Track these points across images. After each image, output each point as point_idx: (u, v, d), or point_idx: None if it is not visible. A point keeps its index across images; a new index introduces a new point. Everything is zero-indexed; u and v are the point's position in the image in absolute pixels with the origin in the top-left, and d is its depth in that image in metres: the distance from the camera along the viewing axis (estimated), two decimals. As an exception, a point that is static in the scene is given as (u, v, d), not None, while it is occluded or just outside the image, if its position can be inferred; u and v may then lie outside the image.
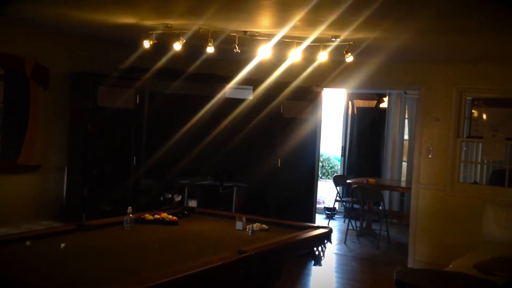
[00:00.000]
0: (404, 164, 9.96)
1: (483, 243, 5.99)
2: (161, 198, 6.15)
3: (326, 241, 4.30)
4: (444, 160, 6.64)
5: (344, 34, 4.75)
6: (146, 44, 5.05)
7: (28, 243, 3.01)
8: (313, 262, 4.33)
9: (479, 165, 8.26)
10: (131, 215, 4.05)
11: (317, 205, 8.49)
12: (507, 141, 6.39)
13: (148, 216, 4.30)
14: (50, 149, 6.02)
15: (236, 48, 4.97)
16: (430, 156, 6.73)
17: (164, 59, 6.15)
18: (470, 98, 6.65)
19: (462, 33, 4.72)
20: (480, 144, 6.80)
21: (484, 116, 6.52)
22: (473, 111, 6.60)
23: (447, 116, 6.64)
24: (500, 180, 6.66)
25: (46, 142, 5.94)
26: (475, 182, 8.01)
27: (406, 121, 9.95)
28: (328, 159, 13.22)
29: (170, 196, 6.10)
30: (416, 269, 5.69)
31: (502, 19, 4.04)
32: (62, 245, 2.93)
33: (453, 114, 6.60)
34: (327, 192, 11.04)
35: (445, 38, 5.06)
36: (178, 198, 6.11)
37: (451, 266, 5.05)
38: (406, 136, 9.97)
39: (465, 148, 7.31)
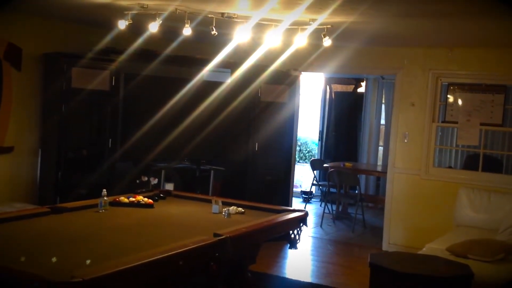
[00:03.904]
0: (381, 149, 10.05)
1: (456, 226, 6.10)
2: (137, 181, 6.09)
3: (302, 224, 4.32)
4: (419, 144, 6.72)
5: (322, 18, 4.73)
6: (122, 24, 4.95)
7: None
8: (288, 245, 4.36)
9: (454, 150, 8.39)
10: (105, 197, 4.01)
11: (294, 189, 8.53)
12: (482, 126, 6.48)
13: (123, 199, 4.26)
14: (24, 131, 5.91)
15: (213, 30, 4.92)
16: (405, 141, 6.80)
17: (140, 41, 6.06)
18: (446, 83, 6.71)
19: (438, 18, 4.74)
20: (456, 129, 6.89)
21: (459, 101, 6.59)
22: (448, 96, 6.67)
23: (423, 101, 6.70)
24: (474, 164, 6.77)
25: (20, 124, 5.83)
26: (450, 167, 8.13)
27: (383, 106, 10.02)
28: (305, 143, 13.26)
29: (146, 179, 6.04)
30: (390, 252, 5.77)
31: (478, 5, 4.06)
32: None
33: (429, 99, 6.66)
34: (304, 176, 11.10)
35: (421, 23, 5.08)
36: (154, 181, 6.05)
37: (424, 249, 5.13)
38: (382, 121, 10.05)
39: (440, 133, 7.40)
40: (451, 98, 6.66)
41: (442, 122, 6.75)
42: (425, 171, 6.69)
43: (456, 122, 6.61)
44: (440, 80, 6.69)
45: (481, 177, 6.44)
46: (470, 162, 7.32)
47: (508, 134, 7.69)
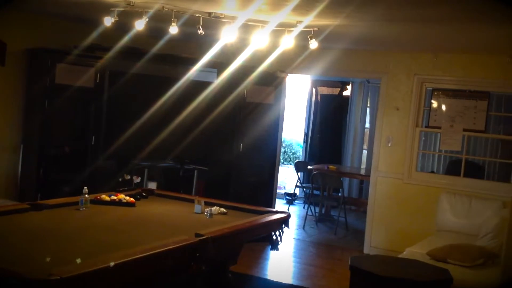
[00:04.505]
0: (365, 152, 10.10)
1: (437, 231, 6.15)
2: (120, 180, 6.07)
3: (283, 226, 4.33)
4: (403, 149, 6.76)
5: (308, 20, 4.75)
6: (108, 21, 4.92)
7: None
8: (270, 246, 4.36)
9: (437, 155, 8.46)
10: (86, 195, 3.98)
11: (278, 191, 8.55)
12: (464, 132, 6.54)
13: (105, 197, 4.23)
14: (6, 126, 5.86)
15: (200, 29, 4.90)
16: (389, 145, 6.84)
17: (126, 38, 6.03)
18: (431, 88, 6.77)
19: (423, 24, 4.78)
20: (439, 134, 6.95)
21: (443, 107, 6.64)
22: (432, 101, 6.72)
23: (407, 105, 6.75)
24: (456, 170, 6.83)
25: (2, 119, 5.77)
26: (432, 172, 8.19)
27: (368, 109, 10.07)
28: (290, 145, 13.28)
29: (129, 177, 6.03)
30: (370, 255, 5.80)
31: (463, 10, 4.10)
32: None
33: (413, 103, 6.71)
34: (288, 178, 11.11)
35: (406, 28, 5.12)
36: (137, 180, 6.04)
37: (405, 252, 5.17)
38: (367, 125, 10.10)
39: (424, 138, 7.46)
40: (435, 104, 6.71)
41: (426, 127, 6.81)
42: (408, 175, 6.73)
43: (439, 127, 6.67)
44: (425, 85, 6.74)
45: (462, 183, 6.50)
46: (453, 168, 7.38)
47: (491, 140, 7.78)
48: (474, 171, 7.07)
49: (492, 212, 5.75)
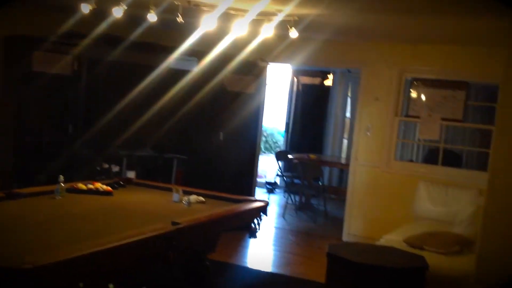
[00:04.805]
0: (345, 141, 10.16)
1: (414, 218, 6.22)
2: (98, 168, 6.02)
3: (262, 214, 4.34)
4: (382, 138, 6.81)
5: (288, 9, 4.74)
6: (85, 8, 4.84)
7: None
8: (248, 234, 4.37)
9: (415, 144, 8.54)
10: (62, 184, 3.94)
11: (259, 180, 8.56)
12: (443, 121, 6.61)
13: (81, 186, 4.20)
14: (-19, 114, 5.76)
15: (179, 18, 4.86)
16: (368, 134, 6.88)
17: (104, 25, 5.94)
18: (410, 78, 6.81)
19: (403, 14, 4.80)
20: (417, 123, 7.01)
21: (422, 97, 6.70)
22: (411, 91, 6.77)
23: (387, 95, 6.79)
24: (434, 158, 6.90)
25: (-23, 107, 5.68)
26: (411, 160, 8.27)
27: (349, 99, 10.12)
28: (272, 134, 13.30)
29: (107, 166, 5.98)
30: (348, 243, 5.86)
31: (442, 2, 4.12)
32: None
33: (392, 93, 6.75)
34: (269, 167, 11.13)
35: (386, 18, 5.13)
36: (115, 169, 6.00)
37: (382, 240, 5.22)
38: (348, 114, 10.15)
39: (403, 128, 7.52)
40: (414, 93, 6.76)
41: (405, 116, 6.86)
42: (387, 164, 6.79)
43: (418, 117, 6.72)
44: (404, 75, 6.79)
45: (440, 171, 6.58)
46: (431, 156, 7.46)
47: (469, 129, 7.87)
48: (452, 160, 7.15)
49: (469, 200, 5.83)
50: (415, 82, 6.77)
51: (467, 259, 4.70)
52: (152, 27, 5.93)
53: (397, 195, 6.66)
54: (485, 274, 3.82)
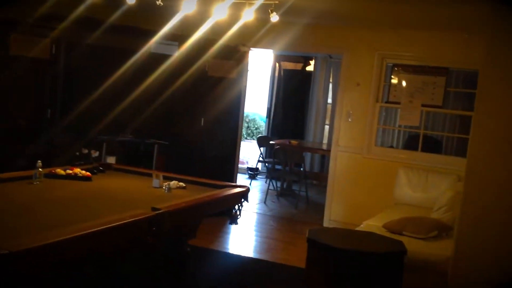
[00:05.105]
0: (327, 127, 10.18)
1: (394, 204, 6.28)
2: (77, 154, 5.94)
3: (243, 200, 4.33)
4: (363, 124, 6.84)
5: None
6: (63, -10, 4.75)
7: None
8: (229, 220, 4.37)
9: (396, 130, 8.59)
10: (40, 169, 3.88)
11: (241, 165, 8.55)
12: (423, 107, 6.65)
13: (60, 171, 4.14)
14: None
15: (159, 1, 4.79)
16: (349, 120, 6.90)
17: (82, 8, 5.84)
18: (391, 64, 6.83)
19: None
20: (398, 109, 7.04)
21: (403, 83, 6.72)
22: (392, 77, 6.79)
23: (368, 81, 6.80)
24: (414, 145, 6.96)
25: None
26: (392, 147, 8.33)
27: (331, 85, 10.12)
28: (253, 119, 13.28)
29: (87, 151, 5.91)
30: (327, 228, 5.89)
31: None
32: None
33: (373, 79, 6.77)
34: (251, 153, 11.13)
35: (367, 4, 5.12)
36: (95, 154, 5.93)
37: (362, 225, 5.26)
38: (329, 100, 10.16)
39: (384, 114, 7.54)
40: (395, 79, 6.78)
41: (386, 102, 6.89)
42: (367, 150, 6.83)
43: (399, 103, 6.76)
44: (385, 61, 6.80)
45: (420, 157, 6.63)
46: (411, 142, 7.52)
47: (449, 116, 7.93)
48: (432, 146, 7.21)
49: (448, 185, 5.90)
50: (396, 68, 6.79)
51: (445, 243, 4.75)
52: (132, 10, 5.84)
53: (378, 181, 6.71)
54: (463, 259, 3.87)
